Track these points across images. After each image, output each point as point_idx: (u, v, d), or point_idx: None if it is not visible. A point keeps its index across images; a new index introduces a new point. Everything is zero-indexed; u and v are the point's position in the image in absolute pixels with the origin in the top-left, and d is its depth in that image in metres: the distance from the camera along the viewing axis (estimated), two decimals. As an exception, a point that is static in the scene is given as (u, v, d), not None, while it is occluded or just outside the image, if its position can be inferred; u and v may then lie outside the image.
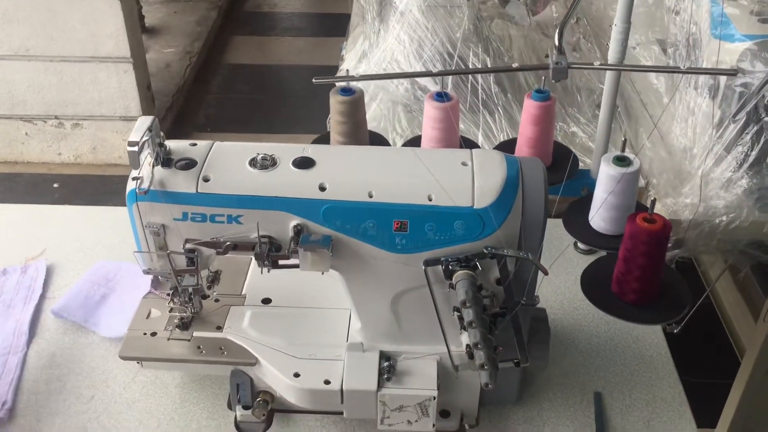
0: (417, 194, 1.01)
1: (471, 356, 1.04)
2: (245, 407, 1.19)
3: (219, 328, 1.17)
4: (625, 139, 1.27)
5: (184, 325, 1.17)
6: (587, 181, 1.44)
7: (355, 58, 1.95)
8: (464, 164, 1.04)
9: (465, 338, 1.04)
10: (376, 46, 1.84)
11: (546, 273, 1.01)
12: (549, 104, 1.38)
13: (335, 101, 1.40)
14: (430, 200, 1.00)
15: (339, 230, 1.01)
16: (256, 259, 1.02)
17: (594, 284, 1.25)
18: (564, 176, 1.45)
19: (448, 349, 1.09)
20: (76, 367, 1.27)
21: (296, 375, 1.10)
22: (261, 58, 4.33)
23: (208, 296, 1.22)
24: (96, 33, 3.07)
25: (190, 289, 1.14)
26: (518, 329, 1.08)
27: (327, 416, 1.21)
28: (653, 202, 1.15)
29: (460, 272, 1.00)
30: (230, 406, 1.22)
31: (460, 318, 1.01)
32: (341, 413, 1.13)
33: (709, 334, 2.24)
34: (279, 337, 1.16)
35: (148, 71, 3.42)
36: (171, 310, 1.18)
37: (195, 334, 1.17)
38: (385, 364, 1.11)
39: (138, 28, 3.29)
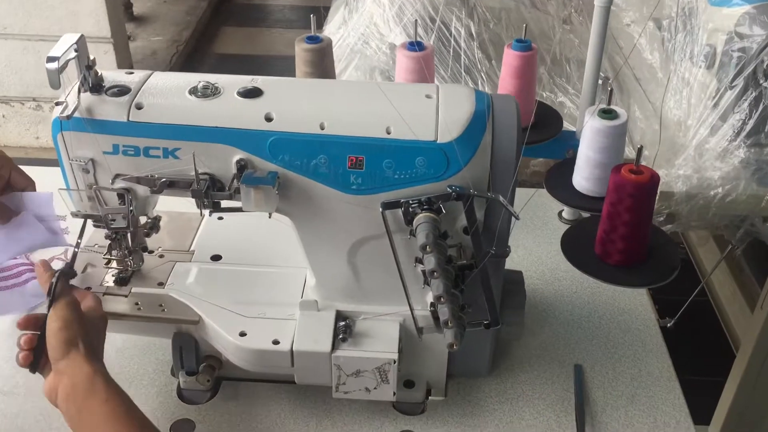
0: (374, 126, 0.90)
1: (436, 317, 0.94)
2: (189, 373, 1.08)
3: (161, 285, 1.06)
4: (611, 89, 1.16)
5: (122, 280, 1.06)
6: (572, 143, 1.33)
7: (336, 25, 1.86)
8: (428, 97, 0.94)
9: (430, 297, 0.93)
10: (355, 10, 1.75)
11: (517, 217, 0.90)
12: (530, 54, 1.28)
13: (300, 49, 1.29)
14: (389, 133, 0.90)
15: (287, 166, 0.91)
16: (194, 197, 0.91)
17: (576, 246, 1.14)
18: (546, 136, 1.35)
19: (411, 308, 0.98)
20: None
21: (242, 334, 0.99)
22: (250, 49, 4.24)
23: (151, 251, 1.11)
24: (75, 11, 2.98)
25: (129, 240, 1.03)
26: (488, 286, 0.97)
27: (279, 385, 1.10)
28: (640, 150, 1.04)
29: (421, 215, 0.89)
30: (174, 373, 1.10)
31: (424, 272, 0.90)
32: (293, 381, 1.02)
33: (702, 325, 2.14)
34: (226, 295, 1.05)
35: (130, 53, 3.33)
36: (108, 263, 1.07)
37: (133, 289, 1.05)
38: (342, 324, 1.00)
39: (120, 8, 3.20)
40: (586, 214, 1.30)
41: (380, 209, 0.91)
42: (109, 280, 1.06)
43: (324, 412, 1.07)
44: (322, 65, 1.29)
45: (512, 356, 1.16)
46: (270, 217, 0.93)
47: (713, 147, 1.54)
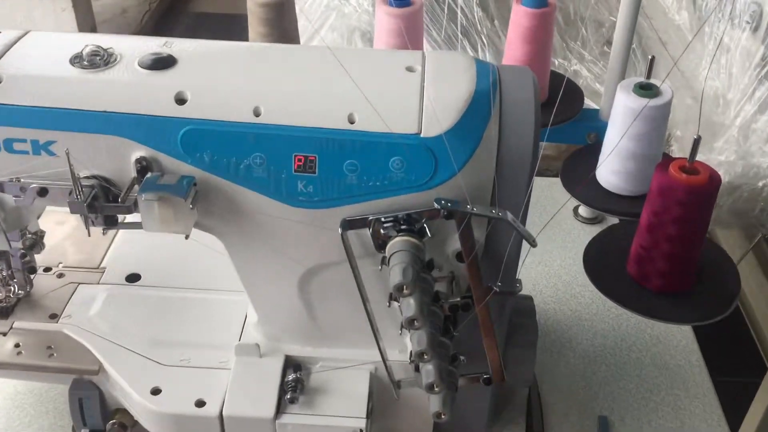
0: (331, 113, 0.63)
1: (417, 369, 0.68)
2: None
3: (53, 317, 0.80)
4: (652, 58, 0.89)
5: (2, 311, 0.80)
6: (595, 125, 1.07)
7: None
8: (410, 69, 0.66)
9: (408, 342, 0.68)
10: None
11: (534, 244, 0.64)
12: (546, 12, 1.00)
13: (253, 4, 1.01)
14: (352, 123, 0.63)
15: (208, 168, 0.64)
16: (73, 211, 0.64)
17: (602, 263, 0.88)
18: (563, 117, 1.08)
19: (383, 358, 0.72)
20: None
21: (155, 391, 0.74)
22: (229, 7, 3.91)
23: (47, 268, 0.85)
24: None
25: (9, 259, 0.77)
26: (490, 329, 0.71)
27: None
28: (697, 142, 0.77)
29: (397, 239, 0.63)
30: (75, 430, 0.85)
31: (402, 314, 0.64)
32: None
33: (730, 326, 1.89)
34: (140, 331, 0.79)
35: (93, 12, 3.01)
36: (-16, 289, 0.80)
37: (16, 324, 0.79)
38: (292, 377, 0.75)
39: (79, -40, 2.87)
40: (613, 217, 1.04)
41: (339, 229, 0.64)
42: (-16, 312, 0.80)
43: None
44: (281, 25, 1.01)
45: (517, 405, 0.90)
46: (187, 239, 0.66)
47: (762, 128, 1.27)
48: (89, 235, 0.66)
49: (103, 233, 0.67)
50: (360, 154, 0.63)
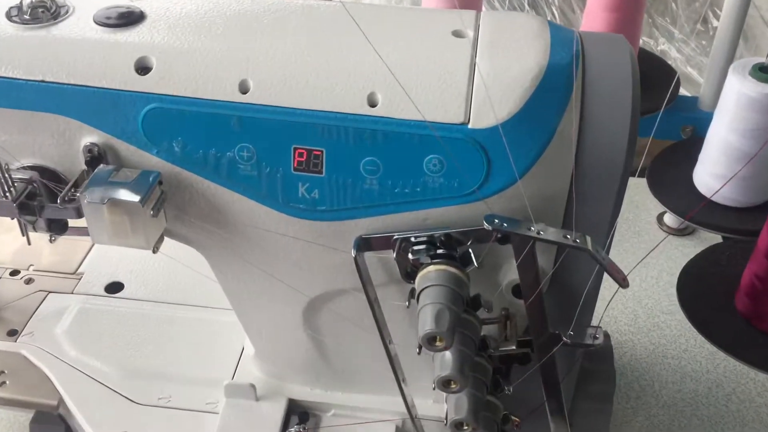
0: (345, 91, 0.45)
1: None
2: (61, 473, 0.67)
3: (12, 334, 0.65)
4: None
5: (-48, 323, 0.65)
6: (692, 116, 0.86)
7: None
8: (458, 35, 0.48)
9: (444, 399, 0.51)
10: None
11: (624, 285, 0.45)
12: (639, -27, 0.80)
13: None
14: (374, 106, 0.45)
15: (179, 161, 0.47)
16: (2, 213, 0.48)
17: (702, 294, 0.69)
18: (652, 106, 0.87)
19: (410, 415, 0.55)
20: None
21: (124, 438, 0.58)
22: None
23: (15, 271, 0.71)
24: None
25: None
26: (554, 387, 0.53)
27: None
28: None
29: (431, 269, 0.45)
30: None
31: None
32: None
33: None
34: (113, 357, 0.64)
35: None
36: (-69, 296, 0.66)
37: (-35, 341, 0.65)
38: (295, 428, 0.58)
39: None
40: (713, 232, 0.84)
41: (353, 251, 0.47)
42: (-69, 325, 0.66)
43: None
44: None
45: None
46: (155, 253, 0.50)
47: None
48: (29, 244, 0.51)
49: (50, 241, 0.51)
50: (383, 150, 0.45)
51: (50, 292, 0.69)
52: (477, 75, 0.45)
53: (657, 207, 1.00)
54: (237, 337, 0.64)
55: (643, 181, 0.93)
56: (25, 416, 0.74)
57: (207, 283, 0.69)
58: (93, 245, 0.75)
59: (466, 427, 0.48)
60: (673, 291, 0.89)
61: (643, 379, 0.80)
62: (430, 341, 0.43)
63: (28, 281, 0.70)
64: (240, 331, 0.63)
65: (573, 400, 0.62)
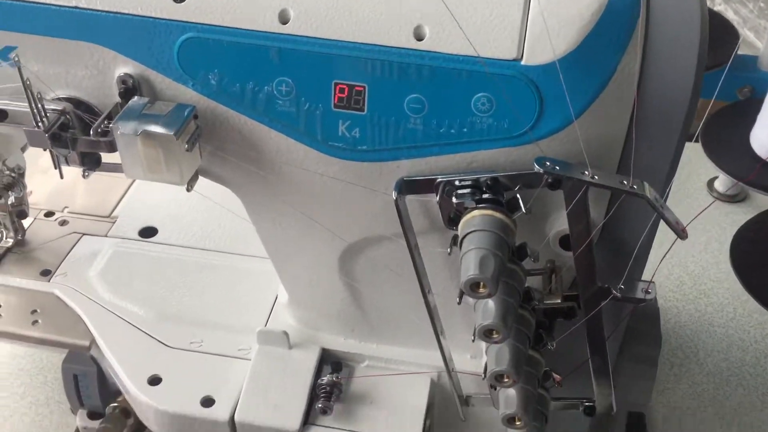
0: (390, 24, 0.43)
1: (494, 387, 0.50)
2: (92, 414, 0.67)
3: (46, 274, 0.64)
4: None
5: (-13, 261, 0.65)
6: (751, 77, 0.82)
7: None
8: (513, -35, 0.45)
9: (484, 352, 0.49)
10: None
11: (683, 236, 0.43)
12: None
13: None
14: (420, 40, 0.43)
15: (215, 95, 0.45)
16: (32, 144, 0.47)
17: (757, 260, 0.65)
18: (710, 63, 0.83)
19: (447, 369, 0.53)
20: None
21: (154, 381, 0.58)
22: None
23: (49, 213, 0.70)
24: None
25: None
26: (600, 345, 0.50)
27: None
28: None
29: (475, 214, 0.43)
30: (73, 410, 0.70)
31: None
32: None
33: None
34: (146, 299, 0.63)
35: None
36: (-35, 233, 0.66)
37: (0, 280, 0.64)
38: (328, 378, 0.57)
39: None
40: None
41: (394, 193, 0.45)
42: (-34, 262, 0.66)
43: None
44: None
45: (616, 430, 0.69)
46: (189, 191, 0.48)
47: None
48: (61, 177, 0.50)
49: (84, 176, 0.50)
50: (429, 87, 0.43)
51: (84, 234, 0.68)
52: (533, 8, 0.42)
53: (707, 173, 0.96)
54: (270, 286, 0.63)
55: (693, 145, 0.90)
56: (58, 356, 0.74)
57: (241, 232, 0.69)
58: (127, 190, 0.73)
59: (506, 380, 0.46)
60: (722, 258, 0.85)
61: (687, 347, 0.77)
62: (472, 288, 0.41)
63: (63, 223, 0.70)
64: (274, 280, 0.62)
65: (617, 361, 0.60)
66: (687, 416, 0.70)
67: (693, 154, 0.89)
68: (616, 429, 0.70)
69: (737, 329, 0.78)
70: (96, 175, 0.73)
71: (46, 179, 0.73)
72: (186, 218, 0.71)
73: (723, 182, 0.93)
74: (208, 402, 0.56)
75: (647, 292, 0.46)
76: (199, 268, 0.66)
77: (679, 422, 0.70)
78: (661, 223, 0.44)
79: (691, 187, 0.95)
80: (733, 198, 0.93)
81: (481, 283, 0.41)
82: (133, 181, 0.75)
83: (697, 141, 0.86)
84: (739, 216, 0.89)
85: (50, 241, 0.68)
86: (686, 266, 0.85)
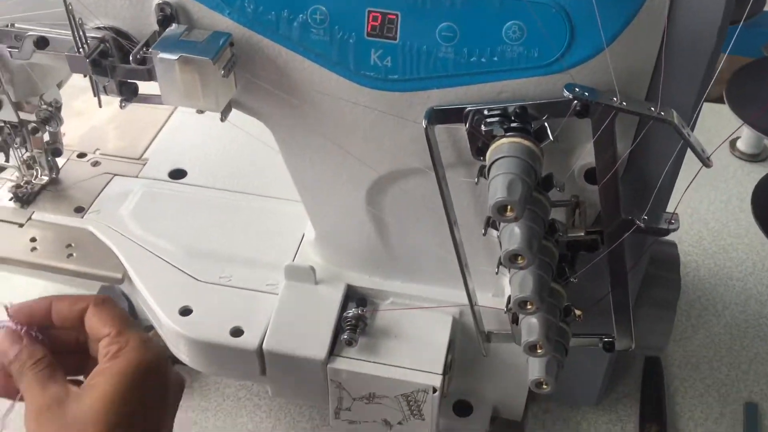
0: (423, -50, 0.44)
1: (515, 320, 0.51)
2: (123, 349, 0.69)
3: (80, 211, 0.66)
4: None
5: (22, 198, 0.67)
6: (776, 33, 0.82)
7: None
8: None
9: (506, 284, 0.50)
10: None
11: (708, 163, 0.44)
12: None
13: None
14: (453, -32, 0.43)
15: (250, 23, 0.47)
16: (74, 71, 0.48)
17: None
18: (733, 18, 0.83)
19: (470, 301, 0.54)
20: None
21: (185, 311, 0.59)
22: None
23: (82, 154, 0.72)
24: None
25: (25, 137, 0.63)
26: (622, 278, 0.51)
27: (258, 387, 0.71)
28: None
29: (504, 141, 0.44)
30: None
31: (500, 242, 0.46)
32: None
33: None
34: (176, 236, 0.65)
35: None
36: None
37: (35, 215, 0.66)
38: (353, 312, 0.58)
39: None
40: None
41: (424, 122, 0.46)
42: (3, 198, 0.67)
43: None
44: None
45: (637, 377, 0.71)
46: (223, 121, 0.50)
47: None
48: (100, 106, 0.51)
49: (121, 106, 0.51)
50: (461, 15, 0.44)
51: (116, 175, 0.70)
52: (565, -63, 0.43)
53: (730, 132, 0.96)
54: (298, 226, 0.64)
55: (718, 106, 0.90)
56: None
57: (269, 175, 0.70)
58: (157, 133, 0.75)
59: (530, 306, 0.47)
60: (742, 216, 0.86)
61: (705, 299, 0.78)
62: (500, 210, 0.42)
63: (95, 164, 0.71)
64: (300, 220, 0.63)
65: (635, 308, 0.61)
66: (703, 363, 0.71)
67: (716, 114, 0.89)
68: (633, 372, 0.71)
69: (756, 283, 0.79)
70: (127, 119, 0.76)
71: (80, 123, 0.75)
72: (214, 161, 0.72)
73: (745, 142, 0.94)
74: (237, 332, 0.58)
75: (671, 222, 0.47)
76: (227, 209, 0.67)
77: (694, 368, 0.71)
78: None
79: (714, 145, 0.95)
80: (755, 157, 0.93)
81: (509, 207, 0.42)
82: (163, 125, 0.76)
83: (721, 102, 0.87)
84: (761, 175, 0.89)
85: (83, 181, 0.69)
86: (707, 222, 0.86)
